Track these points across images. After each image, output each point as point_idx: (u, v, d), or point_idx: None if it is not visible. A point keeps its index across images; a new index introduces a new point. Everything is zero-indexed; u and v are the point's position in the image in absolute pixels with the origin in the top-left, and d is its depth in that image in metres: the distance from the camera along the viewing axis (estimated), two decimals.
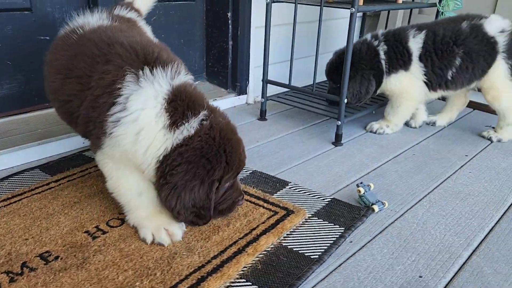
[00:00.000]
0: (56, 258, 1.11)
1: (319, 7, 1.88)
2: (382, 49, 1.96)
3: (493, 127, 2.17)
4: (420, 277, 1.16)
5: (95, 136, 1.18)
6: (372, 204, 1.45)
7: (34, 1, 1.80)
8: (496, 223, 1.43)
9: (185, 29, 2.33)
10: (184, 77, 1.20)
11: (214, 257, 1.14)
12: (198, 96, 1.19)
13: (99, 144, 1.17)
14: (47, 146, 1.70)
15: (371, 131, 2.13)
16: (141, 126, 1.10)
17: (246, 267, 1.13)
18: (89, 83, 1.18)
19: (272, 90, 2.32)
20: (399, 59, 1.96)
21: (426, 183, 1.67)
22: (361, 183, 1.50)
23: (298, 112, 2.36)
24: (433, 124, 2.26)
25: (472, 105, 2.58)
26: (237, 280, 1.09)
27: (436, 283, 1.14)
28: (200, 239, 1.22)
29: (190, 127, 1.12)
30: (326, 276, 1.14)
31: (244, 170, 1.65)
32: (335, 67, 2.04)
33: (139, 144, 1.11)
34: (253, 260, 1.16)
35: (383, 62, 1.96)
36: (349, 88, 1.92)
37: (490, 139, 2.09)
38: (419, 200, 1.55)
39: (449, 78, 1.97)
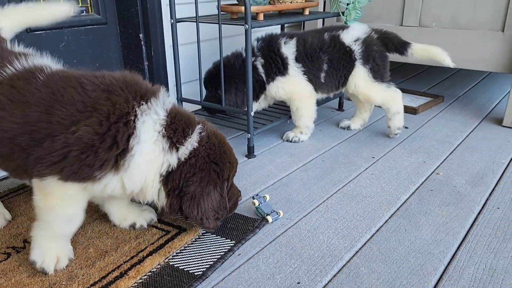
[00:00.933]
0: None
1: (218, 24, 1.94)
2: (259, 62, 2.08)
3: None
4: (298, 283, 1.22)
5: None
6: (267, 215, 1.50)
7: None
8: (384, 223, 1.50)
9: (99, 53, 2.34)
10: (168, 97, 1.29)
11: (94, 283, 1.16)
12: (187, 112, 1.32)
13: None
14: None
15: (287, 140, 2.20)
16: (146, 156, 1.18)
17: None
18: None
19: (192, 106, 2.36)
20: (275, 67, 2.07)
21: (327, 188, 1.74)
22: (257, 195, 1.55)
23: (217, 127, 2.40)
24: (348, 128, 2.35)
25: None
26: None
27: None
28: (85, 266, 1.23)
29: (193, 141, 1.26)
30: None
31: None
32: (211, 78, 2.16)
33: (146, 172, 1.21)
34: (136, 283, 1.18)
35: (262, 74, 2.08)
36: (226, 100, 2.06)
37: (391, 135, 2.24)
38: (317, 206, 1.61)
39: (322, 81, 2.12)
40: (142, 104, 1.18)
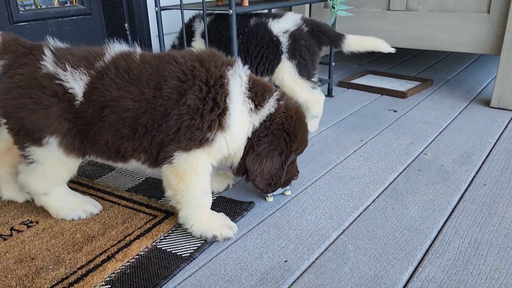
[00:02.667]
0: None
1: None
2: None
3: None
4: (286, 261, 1.22)
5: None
6: (270, 196, 1.51)
7: None
8: (371, 203, 1.51)
9: (84, 44, 2.32)
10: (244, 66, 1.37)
11: (81, 267, 1.16)
12: (263, 79, 1.43)
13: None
14: None
15: None
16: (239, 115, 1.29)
17: (114, 273, 1.16)
18: None
19: None
20: (186, 41, 2.09)
21: (316, 171, 1.75)
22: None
23: None
24: None
25: (380, 90, 2.71)
26: (102, 287, 1.11)
27: (299, 265, 1.20)
28: (72, 250, 1.23)
29: (270, 106, 1.35)
30: (194, 272, 1.18)
31: (137, 178, 1.67)
32: None
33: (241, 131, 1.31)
34: (123, 266, 1.18)
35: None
36: None
37: None
38: (305, 188, 1.62)
39: None
40: (229, 69, 1.29)
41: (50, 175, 1.32)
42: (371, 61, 3.56)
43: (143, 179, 1.67)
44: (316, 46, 2.06)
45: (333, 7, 2.31)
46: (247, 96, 1.32)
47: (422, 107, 2.47)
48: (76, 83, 1.25)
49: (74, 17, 2.25)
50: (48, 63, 1.26)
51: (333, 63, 2.61)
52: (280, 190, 1.53)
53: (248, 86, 1.32)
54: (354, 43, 2.05)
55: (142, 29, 2.29)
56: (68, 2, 2.27)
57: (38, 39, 2.06)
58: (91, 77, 1.26)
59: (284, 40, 1.99)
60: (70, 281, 1.11)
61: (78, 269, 1.16)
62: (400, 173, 1.71)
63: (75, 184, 1.61)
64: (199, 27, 2.14)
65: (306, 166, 1.79)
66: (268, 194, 1.52)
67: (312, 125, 2.12)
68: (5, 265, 1.18)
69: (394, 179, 1.66)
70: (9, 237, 1.30)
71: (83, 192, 1.54)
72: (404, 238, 1.30)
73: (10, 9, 2.02)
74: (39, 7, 2.15)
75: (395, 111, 2.41)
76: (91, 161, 1.82)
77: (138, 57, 1.29)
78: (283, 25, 2.02)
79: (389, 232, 1.34)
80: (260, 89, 1.35)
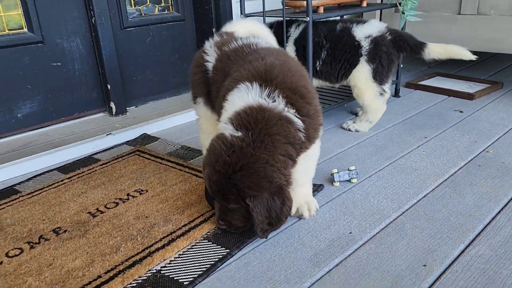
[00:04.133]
0: (65, 231, 1.46)
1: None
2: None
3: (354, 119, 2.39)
4: (350, 233, 1.44)
5: None
6: (337, 181, 1.73)
7: (46, 35, 2.19)
8: (430, 191, 1.68)
9: (177, 46, 2.68)
10: None
11: (184, 225, 1.46)
12: None
13: None
14: (63, 152, 2.07)
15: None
16: None
17: (210, 231, 1.44)
18: None
19: None
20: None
21: (380, 162, 1.93)
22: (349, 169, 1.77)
23: None
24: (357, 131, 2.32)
25: (447, 92, 2.81)
26: (201, 241, 1.40)
27: (361, 236, 1.41)
28: (176, 213, 1.54)
29: None
30: (273, 236, 1.44)
31: None
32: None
33: None
34: (216, 227, 1.46)
35: None
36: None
37: (349, 129, 2.30)
38: (369, 176, 1.81)
39: (317, 68, 2.25)
40: None
41: (206, 129, 1.72)
42: (440, 63, 3.61)
43: None
44: (395, 55, 2.20)
45: (403, 13, 2.46)
46: None
47: (489, 108, 2.54)
48: (210, 59, 1.62)
49: (171, 23, 2.61)
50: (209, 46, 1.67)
51: (401, 65, 2.75)
52: (347, 177, 1.75)
53: None
54: (435, 51, 2.16)
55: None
56: (166, 9, 2.63)
57: (142, 42, 2.43)
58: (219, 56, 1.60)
59: (366, 44, 2.15)
60: (177, 234, 1.41)
61: (183, 226, 1.46)
62: (461, 168, 1.84)
63: (173, 163, 1.93)
64: (294, 33, 2.32)
65: (371, 157, 1.98)
66: (335, 180, 1.74)
67: (363, 127, 2.28)
68: (127, 220, 1.51)
69: (454, 173, 1.81)
70: (126, 200, 1.64)
71: (179, 171, 1.86)
72: (459, 222, 1.47)
73: (122, 17, 2.41)
74: (143, 14, 2.53)
75: (461, 111, 2.50)
76: (184, 146, 2.15)
77: (251, 48, 1.56)
78: (367, 30, 2.18)
79: (445, 216, 1.50)
80: None
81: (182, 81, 2.76)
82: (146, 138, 2.27)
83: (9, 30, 2.11)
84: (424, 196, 1.64)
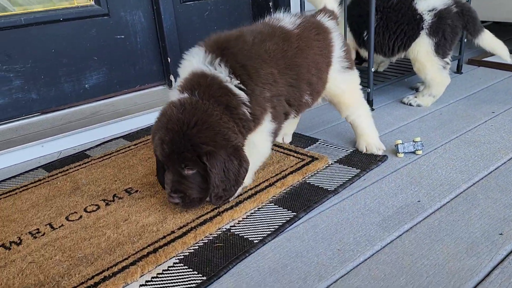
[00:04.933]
0: (136, 191, 1.52)
1: None
2: None
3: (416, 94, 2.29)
4: (418, 201, 1.41)
5: None
6: (401, 152, 1.69)
7: (111, 8, 2.26)
8: (502, 164, 1.61)
9: (233, 20, 2.69)
10: None
11: (250, 189, 1.48)
12: None
13: None
14: (128, 122, 2.15)
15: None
16: None
17: (275, 196, 1.46)
18: None
19: None
20: None
21: (446, 135, 1.87)
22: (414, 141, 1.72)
23: None
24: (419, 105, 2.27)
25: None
26: (267, 204, 1.42)
27: (431, 205, 1.38)
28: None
29: None
30: (339, 202, 1.44)
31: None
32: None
33: None
34: (281, 192, 1.48)
35: None
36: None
37: (410, 104, 2.22)
38: (435, 149, 1.76)
39: (365, 38, 2.17)
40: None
41: None
42: (507, 40, 3.42)
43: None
44: (460, 28, 2.12)
45: None
46: None
47: None
48: None
49: None
50: None
51: (465, 40, 2.63)
52: (411, 148, 1.71)
53: None
54: (486, 41, 2.13)
55: (284, 7, 2.57)
56: None
57: (200, 16, 2.46)
58: None
59: (428, 18, 2.07)
60: (244, 197, 1.43)
61: (249, 190, 1.48)
62: None
63: None
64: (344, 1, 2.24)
65: (435, 131, 1.92)
66: (400, 151, 1.70)
67: (426, 101, 2.21)
68: (148, 219, 1.54)
69: None
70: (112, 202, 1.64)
71: None
72: None
73: None
74: None
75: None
76: None
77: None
78: (431, 3, 2.09)
79: None
80: None
81: None
82: None
83: (77, 3, 2.19)
84: (496, 169, 1.58)
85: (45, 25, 2.09)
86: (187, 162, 1.26)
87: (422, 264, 1.13)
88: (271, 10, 2.61)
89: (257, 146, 1.44)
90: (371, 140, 1.73)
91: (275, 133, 1.46)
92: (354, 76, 1.71)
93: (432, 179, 1.54)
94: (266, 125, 1.40)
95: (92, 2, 2.22)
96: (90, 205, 1.45)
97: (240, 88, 1.31)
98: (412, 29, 2.11)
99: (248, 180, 1.48)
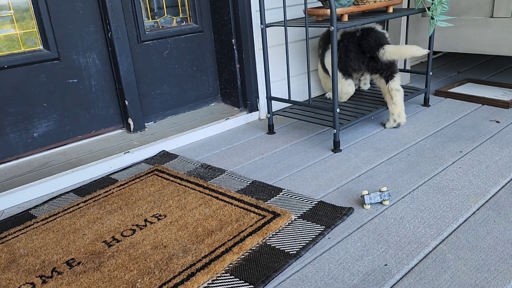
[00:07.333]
0: (79, 263, 1.38)
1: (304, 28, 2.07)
2: None
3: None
4: (385, 265, 1.31)
5: None
6: (368, 204, 1.61)
7: (62, 51, 2.13)
8: (471, 214, 1.54)
9: (196, 57, 2.60)
10: None
11: (205, 256, 1.36)
12: None
13: None
14: (80, 173, 2.00)
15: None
16: None
17: (231, 264, 1.34)
18: None
19: (280, 105, 2.53)
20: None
21: (413, 181, 1.80)
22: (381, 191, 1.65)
23: (304, 124, 2.55)
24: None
25: (481, 100, 2.64)
26: (223, 275, 1.29)
27: (398, 270, 1.29)
28: (196, 242, 1.44)
29: None
30: (301, 269, 1.33)
31: (244, 181, 1.86)
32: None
33: None
34: (238, 258, 1.36)
35: None
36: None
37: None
38: (402, 197, 1.68)
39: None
40: None
41: None
42: (471, 68, 3.44)
43: (250, 182, 1.85)
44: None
45: (432, 18, 2.32)
46: None
47: None
48: None
49: (189, 35, 2.53)
50: None
51: (431, 73, 2.61)
52: (378, 199, 1.62)
53: None
54: (390, 51, 2.23)
55: (247, 44, 2.49)
56: (184, 21, 2.55)
57: (159, 55, 2.35)
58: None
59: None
60: (197, 267, 1.31)
61: (203, 257, 1.35)
62: (503, 187, 1.69)
63: (193, 184, 1.84)
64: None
65: (403, 175, 1.84)
66: (366, 202, 1.61)
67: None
68: (144, 250, 1.42)
69: (496, 192, 1.66)
70: (144, 227, 1.55)
71: (199, 192, 1.76)
72: (507, 252, 1.32)
73: (139, 31, 2.34)
74: (161, 27, 2.46)
75: (497, 121, 2.34)
76: (204, 164, 2.05)
77: None
78: None
79: (490, 245, 1.36)
80: None
81: (201, 94, 2.68)
82: (165, 156, 2.19)
83: (24, 48, 2.06)
84: (465, 221, 1.50)
85: None
86: None
87: None
88: (234, 47, 2.53)
89: None
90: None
91: None
92: None
93: (399, 235, 1.45)
94: None
95: (41, 47, 2.09)
96: (24, 284, 1.30)
97: None
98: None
99: None
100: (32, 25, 2.05)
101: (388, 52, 2.23)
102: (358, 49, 2.28)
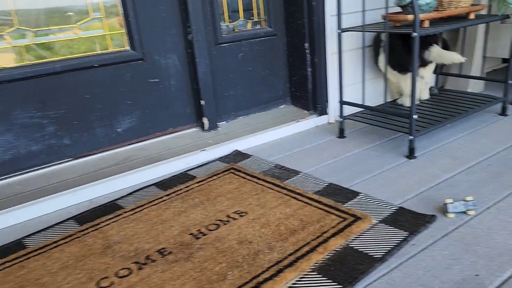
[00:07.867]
0: (170, 253, 1.45)
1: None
2: None
3: None
4: (477, 275, 1.28)
5: None
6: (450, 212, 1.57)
7: (146, 52, 2.25)
8: None
9: (269, 60, 2.65)
10: None
11: (290, 254, 1.39)
12: None
13: None
14: (160, 168, 2.10)
15: None
16: None
17: (317, 263, 1.36)
18: None
19: (351, 109, 2.53)
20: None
21: (497, 191, 1.74)
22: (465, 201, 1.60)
23: (375, 129, 2.52)
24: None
25: None
26: (310, 273, 1.32)
27: (491, 281, 1.25)
28: (279, 240, 1.47)
29: None
30: (387, 273, 1.32)
31: (320, 183, 1.88)
32: None
33: None
34: (323, 258, 1.38)
35: None
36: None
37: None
38: (487, 208, 1.63)
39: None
40: None
41: None
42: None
43: (326, 184, 1.86)
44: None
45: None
46: None
47: None
48: None
49: (263, 38, 2.58)
50: None
51: (510, 81, 2.50)
52: (462, 208, 1.58)
53: None
54: (436, 52, 2.33)
55: (320, 48, 2.51)
56: (258, 25, 2.61)
57: (234, 57, 2.42)
58: None
59: None
60: (284, 264, 1.34)
61: (288, 255, 1.38)
62: None
63: (270, 183, 1.88)
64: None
65: (486, 186, 1.79)
66: (449, 211, 1.58)
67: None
68: (230, 245, 1.46)
69: None
70: (227, 222, 1.60)
71: (278, 192, 1.80)
72: None
73: (216, 34, 2.42)
74: (236, 30, 2.53)
75: None
76: (278, 165, 2.09)
77: None
78: None
79: None
80: None
81: (272, 97, 2.73)
82: (238, 155, 2.24)
83: (112, 48, 2.19)
84: None
85: (80, 71, 2.08)
86: None
87: None
88: (307, 51, 2.55)
89: None
90: None
91: None
92: None
93: (489, 247, 1.40)
94: None
95: (128, 47, 2.21)
96: (121, 269, 1.38)
97: None
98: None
99: None
100: (119, 27, 2.18)
101: (434, 53, 2.35)
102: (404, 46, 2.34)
